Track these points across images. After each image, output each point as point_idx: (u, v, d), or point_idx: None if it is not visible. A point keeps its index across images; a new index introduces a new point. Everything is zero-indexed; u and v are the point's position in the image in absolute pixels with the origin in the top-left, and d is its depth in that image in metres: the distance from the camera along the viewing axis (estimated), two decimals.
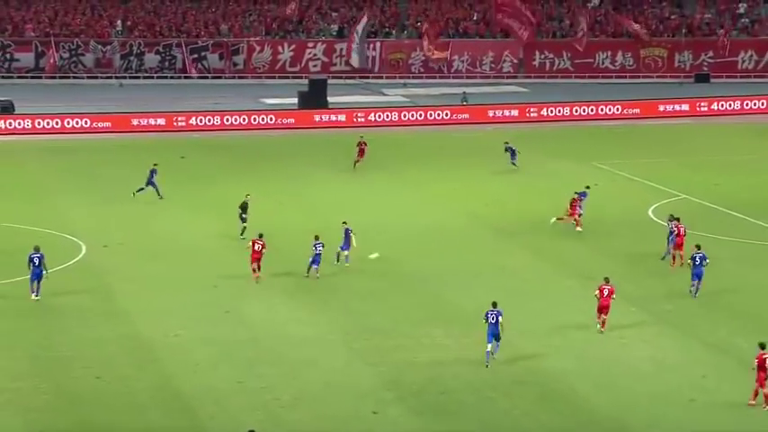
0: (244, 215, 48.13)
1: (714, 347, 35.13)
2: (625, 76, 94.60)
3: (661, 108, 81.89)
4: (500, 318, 34.36)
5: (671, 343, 36.50)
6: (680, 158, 65.60)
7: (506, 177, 60.23)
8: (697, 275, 40.75)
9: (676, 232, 44.13)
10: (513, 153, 61.42)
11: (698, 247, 41.43)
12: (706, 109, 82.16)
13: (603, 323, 37.15)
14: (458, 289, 41.94)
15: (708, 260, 40.83)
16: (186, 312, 39.34)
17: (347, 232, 44.51)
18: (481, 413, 31.55)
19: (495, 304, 34.78)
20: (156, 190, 54.63)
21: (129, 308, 39.76)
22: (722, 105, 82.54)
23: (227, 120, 76.90)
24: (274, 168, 63.29)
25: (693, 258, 41.09)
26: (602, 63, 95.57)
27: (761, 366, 31.18)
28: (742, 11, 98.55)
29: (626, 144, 71.13)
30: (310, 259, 42.78)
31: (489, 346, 34.37)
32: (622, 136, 73.98)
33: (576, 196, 49.73)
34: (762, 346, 31.42)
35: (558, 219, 49.36)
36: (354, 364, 34.89)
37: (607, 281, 37.47)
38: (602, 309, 37.13)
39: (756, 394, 31.53)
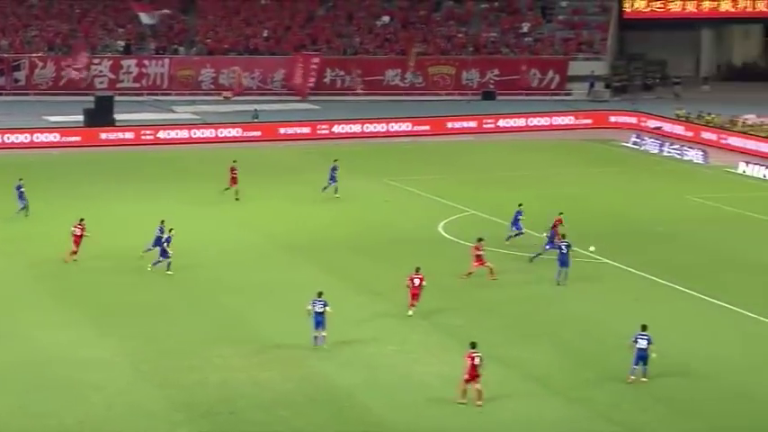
0: None
1: (499, 360, 35.65)
2: (414, 94, 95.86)
3: (449, 125, 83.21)
4: (327, 307, 36.44)
5: (459, 358, 36.78)
6: (468, 174, 66.69)
7: (298, 194, 60.06)
8: (563, 263, 43.38)
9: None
10: (333, 177, 58.94)
11: (563, 236, 44.65)
12: (492, 126, 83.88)
13: (411, 306, 39.93)
14: (250, 307, 41.61)
15: (572, 247, 43.61)
16: None
17: (168, 240, 45.05)
18: None
19: (320, 294, 36.73)
20: (22, 205, 53.89)
21: None
22: (507, 122, 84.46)
23: (8, 138, 74.56)
24: (60, 187, 61.64)
25: (560, 247, 43.55)
26: (392, 80, 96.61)
27: (471, 365, 32.58)
28: (525, 30, 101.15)
29: (416, 160, 71.96)
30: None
31: (316, 332, 36.46)
32: (412, 153, 74.85)
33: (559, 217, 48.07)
34: (472, 346, 32.99)
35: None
36: (142, 386, 34.13)
37: (418, 270, 39.98)
38: (414, 296, 39.89)
39: (465, 392, 32.64)
